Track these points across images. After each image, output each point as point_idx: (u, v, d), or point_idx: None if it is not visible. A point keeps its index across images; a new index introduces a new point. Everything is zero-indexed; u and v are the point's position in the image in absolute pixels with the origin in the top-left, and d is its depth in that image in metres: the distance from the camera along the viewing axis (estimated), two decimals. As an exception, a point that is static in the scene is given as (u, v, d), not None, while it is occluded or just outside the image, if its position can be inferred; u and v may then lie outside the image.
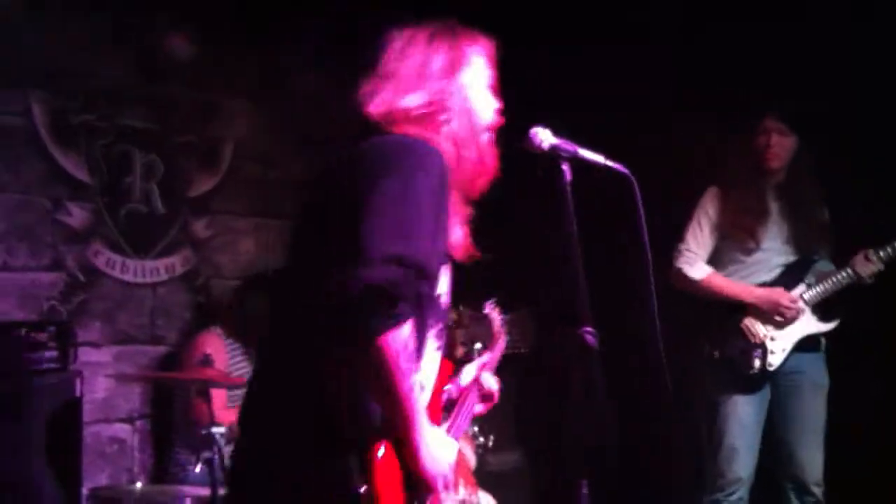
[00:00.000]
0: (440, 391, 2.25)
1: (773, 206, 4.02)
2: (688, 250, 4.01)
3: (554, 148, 2.20)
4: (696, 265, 4.00)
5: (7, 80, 3.92)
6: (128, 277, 4.31)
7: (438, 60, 2.08)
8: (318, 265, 1.85)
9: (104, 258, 4.22)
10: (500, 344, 2.80)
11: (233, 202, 4.78)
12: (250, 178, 4.87)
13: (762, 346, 3.91)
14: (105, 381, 4.13)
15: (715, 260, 4.05)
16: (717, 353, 3.97)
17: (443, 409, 2.31)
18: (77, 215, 4.14)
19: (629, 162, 2.24)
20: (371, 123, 2.02)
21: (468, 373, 2.55)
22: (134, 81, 4.37)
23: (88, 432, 3.92)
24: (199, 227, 4.63)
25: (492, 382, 2.57)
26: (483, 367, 2.60)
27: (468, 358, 2.87)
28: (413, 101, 2.03)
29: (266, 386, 2.00)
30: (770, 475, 4.01)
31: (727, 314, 3.98)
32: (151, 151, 4.43)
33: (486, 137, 2.14)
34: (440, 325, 2.08)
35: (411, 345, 1.85)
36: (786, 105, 4.00)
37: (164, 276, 4.46)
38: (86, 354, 4.01)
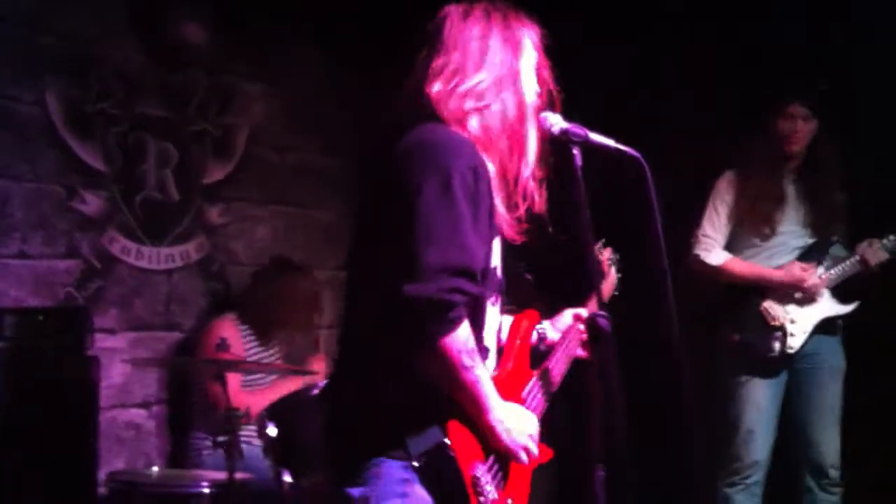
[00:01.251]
0: (527, 340, 2.42)
1: (790, 190, 4.01)
2: (705, 236, 4.01)
3: (564, 132, 2.20)
4: (713, 251, 3.99)
5: (21, 69, 3.91)
6: (143, 264, 4.33)
7: (496, 42, 2.14)
8: (377, 273, 2.03)
9: (119, 245, 4.24)
10: (609, 281, 2.86)
11: (248, 189, 4.79)
12: (265, 165, 4.87)
13: (782, 328, 3.91)
14: (121, 367, 4.14)
15: (732, 245, 4.04)
16: (736, 337, 3.96)
17: (530, 357, 2.44)
18: (92, 203, 4.15)
19: (645, 148, 2.23)
20: (422, 107, 2.11)
21: (565, 317, 2.61)
22: (148, 69, 4.36)
23: (105, 418, 3.95)
24: (214, 214, 4.64)
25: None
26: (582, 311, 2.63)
27: None
28: (472, 83, 2.11)
29: (353, 366, 2.14)
30: (787, 458, 4.01)
31: (746, 298, 3.97)
32: (166, 139, 4.44)
33: (531, 120, 2.18)
34: (497, 297, 2.21)
35: (472, 341, 2.01)
36: (810, 90, 3.98)
37: (179, 263, 4.47)
38: (102, 341, 4.03)
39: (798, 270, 3.91)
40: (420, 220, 1.96)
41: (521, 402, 2.28)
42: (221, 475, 3.49)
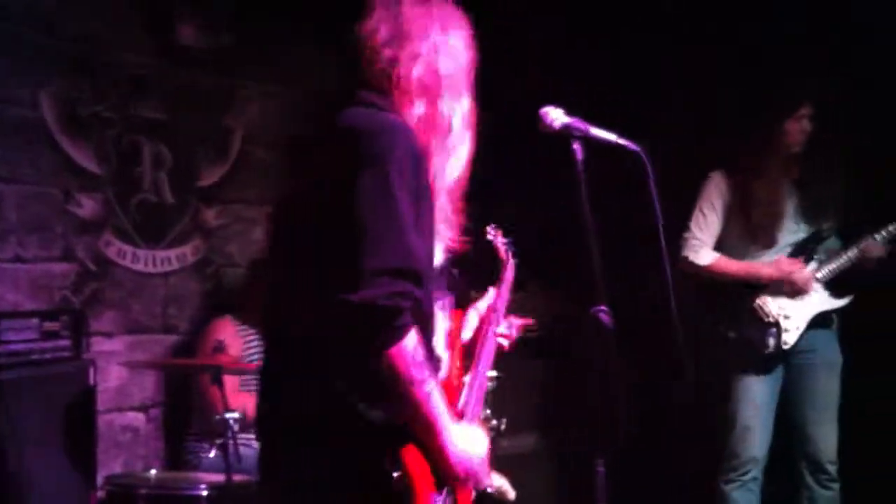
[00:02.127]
0: (456, 342, 2.31)
1: (785, 186, 4.01)
2: (693, 238, 4.02)
3: (566, 127, 2.20)
4: (701, 251, 4.00)
5: (16, 70, 3.90)
6: (139, 267, 4.31)
7: (448, 31, 2.05)
8: (311, 273, 1.88)
9: (115, 248, 4.23)
10: (509, 269, 2.75)
11: (243, 190, 4.78)
12: (261, 166, 4.86)
13: (776, 324, 3.91)
14: (118, 370, 4.13)
15: (727, 245, 4.04)
16: (731, 334, 3.97)
17: (462, 359, 2.35)
18: (88, 206, 4.14)
19: (645, 143, 2.24)
20: (357, 84, 2.01)
21: (473, 316, 2.54)
22: (143, 71, 4.35)
23: (102, 421, 3.93)
24: (210, 216, 4.63)
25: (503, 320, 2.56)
26: (493, 304, 2.57)
27: None
28: (408, 61, 2.00)
29: (289, 378, 1.97)
30: (784, 454, 4.01)
31: (740, 295, 3.97)
32: (160, 141, 4.43)
33: (468, 120, 2.08)
34: (446, 298, 2.13)
35: (420, 353, 1.85)
36: (811, 89, 3.99)
37: (175, 266, 4.46)
38: (99, 344, 4.03)
39: (786, 265, 3.91)
40: (356, 217, 1.82)
41: (461, 414, 2.20)
42: (219, 477, 3.48)
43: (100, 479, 3.69)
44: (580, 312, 2.60)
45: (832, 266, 3.94)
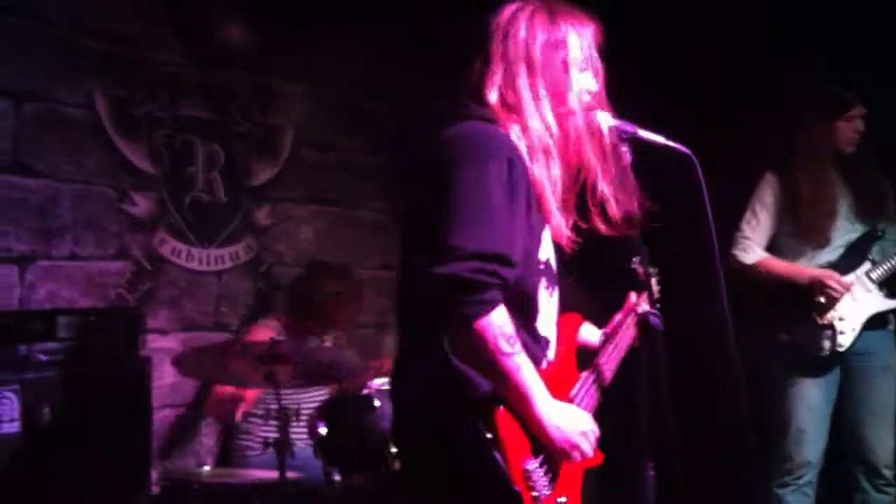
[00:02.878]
0: (572, 342, 2.39)
1: (838, 185, 3.96)
2: (743, 237, 3.98)
3: (613, 129, 2.19)
4: (749, 251, 3.96)
5: (68, 71, 3.97)
6: (192, 265, 4.37)
7: (538, 41, 2.13)
8: (415, 257, 2.01)
9: (169, 247, 4.29)
10: (652, 290, 2.77)
11: (292, 189, 4.82)
12: (308, 165, 4.90)
13: (831, 326, 3.86)
14: (172, 368, 4.18)
15: (778, 245, 4.00)
16: (785, 337, 3.92)
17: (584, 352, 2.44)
18: (141, 205, 4.20)
19: (694, 145, 2.22)
20: (458, 103, 2.13)
21: (616, 318, 2.60)
22: (191, 70, 4.40)
23: (157, 417, 3.98)
24: (261, 215, 4.68)
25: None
26: (631, 307, 2.62)
27: None
28: (520, 88, 2.11)
29: (405, 357, 2.17)
30: (840, 458, 3.96)
31: (794, 296, 3.93)
32: (212, 140, 4.48)
33: (582, 118, 2.15)
34: (553, 288, 2.19)
35: (509, 327, 1.95)
36: (852, 89, 3.94)
37: (228, 264, 4.52)
38: (153, 341, 4.09)
39: (828, 279, 3.84)
40: (453, 205, 1.95)
41: (570, 400, 2.23)
42: (272, 474, 3.51)
43: (154, 475, 3.74)
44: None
45: (887, 266, 3.88)
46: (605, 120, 2.18)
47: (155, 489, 3.67)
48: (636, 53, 4.55)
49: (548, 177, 2.09)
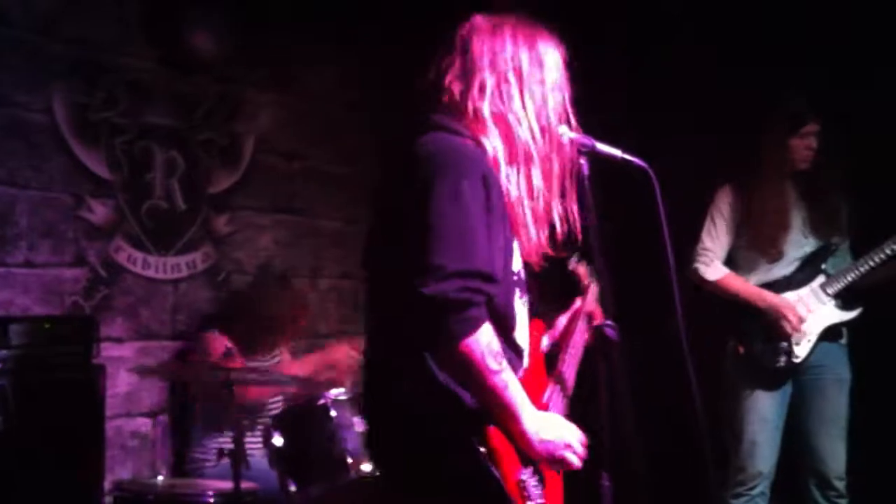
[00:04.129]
0: (538, 348, 2.43)
1: (792, 199, 4.01)
2: (704, 250, 4.02)
3: (571, 142, 2.21)
4: (712, 265, 4.00)
5: (30, 76, 3.92)
6: (149, 273, 4.33)
7: (524, 61, 2.17)
8: (393, 276, 2.03)
9: (126, 254, 4.25)
10: (592, 291, 2.82)
11: (252, 198, 4.80)
12: (270, 173, 4.88)
13: (787, 338, 3.90)
14: (127, 376, 4.14)
15: (735, 258, 4.04)
16: (741, 349, 3.96)
17: (545, 357, 2.48)
18: (99, 212, 4.16)
19: (653, 159, 2.24)
20: (433, 114, 2.15)
21: (561, 321, 2.66)
22: (155, 77, 4.38)
23: (110, 426, 3.94)
24: (220, 223, 4.65)
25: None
26: (577, 311, 2.67)
27: None
28: (478, 93, 2.14)
29: (382, 372, 2.16)
30: (793, 470, 4.00)
31: (752, 310, 3.96)
32: (172, 148, 4.45)
33: (555, 135, 2.19)
34: (525, 296, 2.21)
35: (495, 344, 1.99)
36: (809, 102, 3.99)
37: (185, 273, 4.48)
38: (108, 350, 4.03)
39: (787, 312, 3.88)
40: (433, 222, 1.97)
41: (545, 407, 2.29)
42: (227, 485, 3.49)
43: (107, 485, 3.70)
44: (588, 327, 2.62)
45: (841, 279, 3.93)
46: (565, 132, 2.20)
47: (107, 500, 3.63)
48: (588, 64, 4.60)
49: (528, 188, 2.14)
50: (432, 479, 2.04)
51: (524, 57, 2.17)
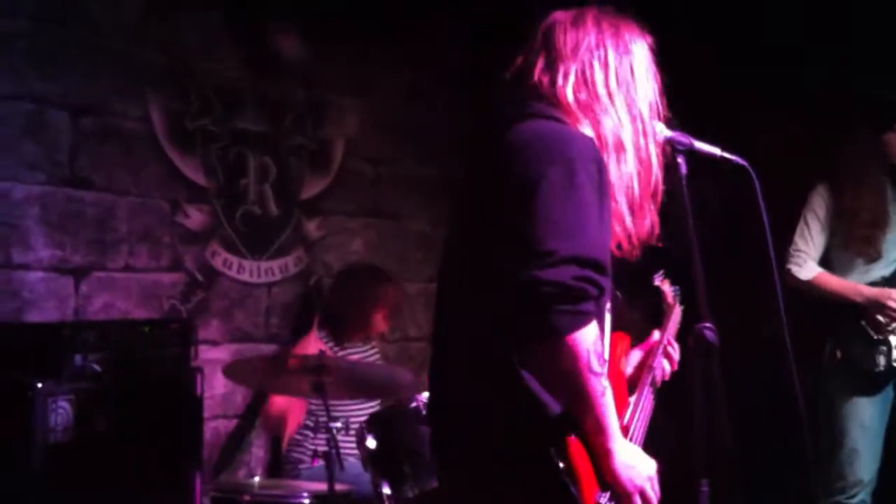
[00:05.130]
0: (617, 366, 2.26)
1: (889, 195, 3.90)
2: (797, 251, 3.94)
3: (669, 140, 2.17)
4: (805, 265, 3.92)
5: (124, 84, 4.02)
6: (244, 277, 4.41)
7: (611, 51, 2.07)
8: (492, 260, 1.87)
9: (221, 259, 4.33)
10: (676, 313, 2.71)
11: (342, 202, 4.84)
12: (359, 178, 4.92)
13: (886, 342, 3.80)
14: (223, 378, 4.21)
15: (831, 259, 3.95)
16: (839, 353, 3.87)
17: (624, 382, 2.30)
18: (195, 217, 4.25)
19: (749, 157, 2.20)
20: (528, 103, 2.02)
21: (636, 354, 2.48)
22: (245, 83, 4.44)
23: (208, 428, 4.02)
24: (312, 228, 4.70)
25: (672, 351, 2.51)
26: (656, 343, 2.51)
27: None
28: (563, 81, 2.03)
29: (457, 369, 2.00)
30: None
31: (847, 312, 3.87)
32: (265, 154, 4.52)
33: (643, 125, 2.08)
34: (608, 301, 2.07)
35: (600, 346, 1.84)
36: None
37: (278, 276, 4.55)
38: (205, 352, 4.11)
39: (887, 300, 3.78)
40: (544, 209, 1.81)
41: (625, 429, 2.13)
42: (322, 486, 3.52)
43: (205, 486, 3.76)
44: (685, 330, 2.57)
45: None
46: (661, 131, 2.17)
47: (205, 500, 3.69)
48: (679, 63, 4.53)
49: (619, 175, 2.01)
50: (502, 493, 1.89)
51: (609, 44, 2.07)
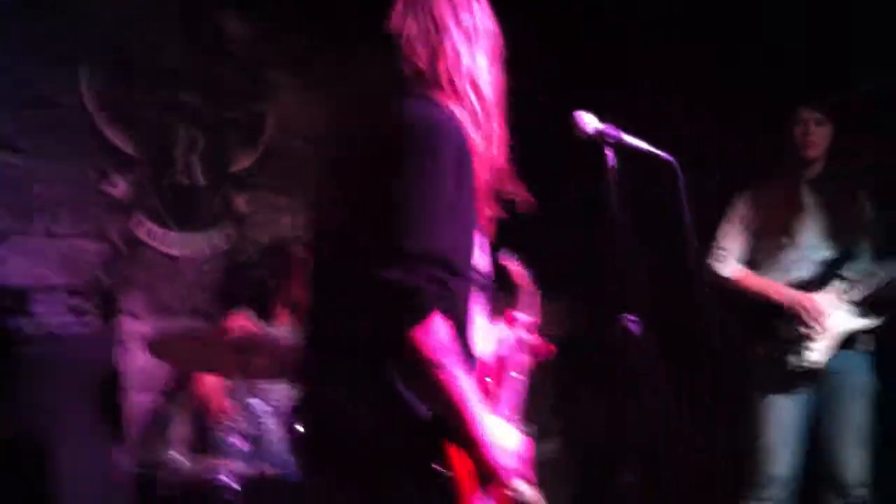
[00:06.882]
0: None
1: (809, 200, 3.97)
2: (719, 248, 4.00)
3: (599, 133, 2.18)
4: (725, 262, 3.97)
5: (57, 53, 3.94)
6: (170, 250, 4.34)
7: (476, 21, 2.02)
8: (347, 253, 1.87)
9: (146, 229, 4.26)
10: (528, 293, 2.64)
11: (274, 178, 4.79)
12: (292, 155, 4.87)
13: (803, 340, 3.86)
14: (144, 353, 4.15)
15: (753, 259, 4.02)
16: (759, 351, 3.93)
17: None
18: (121, 186, 4.17)
19: (677, 153, 2.22)
20: (395, 79, 1.97)
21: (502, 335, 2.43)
22: (178, 56, 4.37)
23: (129, 403, 3.95)
24: (241, 203, 4.65)
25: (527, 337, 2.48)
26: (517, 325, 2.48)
27: None
28: (459, 60, 1.98)
29: (330, 364, 1.92)
30: (813, 477, 3.96)
31: (767, 311, 3.93)
32: (194, 125, 4.45)
33: (498, 107, 2.04)
34: (483, 296, 2.04)
35: (448, 338, 1.80)
36: (821, 93, 3.96)
37: (206, 251, 4.49)
38: (127, 325, 4.05)
39: (807, 302, 3.85)
40: (400, 202, 1.80)
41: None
42: (244, 465, 3.48)
43: (128, 462, 3.72)
44: (608, 321, 2.59)
45: (864, 285, 3.88)
46: (592, 122, 2.18)
47: (127, 476, 3.64)
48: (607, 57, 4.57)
49: (486, 158, 1.98)
50: (386, 495, 1.83)
51: (473, 14, 2.03)
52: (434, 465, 1.80)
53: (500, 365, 2.32)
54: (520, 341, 2.44)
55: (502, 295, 2.41)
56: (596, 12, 4.80)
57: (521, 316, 2.51)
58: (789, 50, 4.44)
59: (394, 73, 1.98)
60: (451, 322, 1.82)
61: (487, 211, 2.03)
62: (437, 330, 1.78)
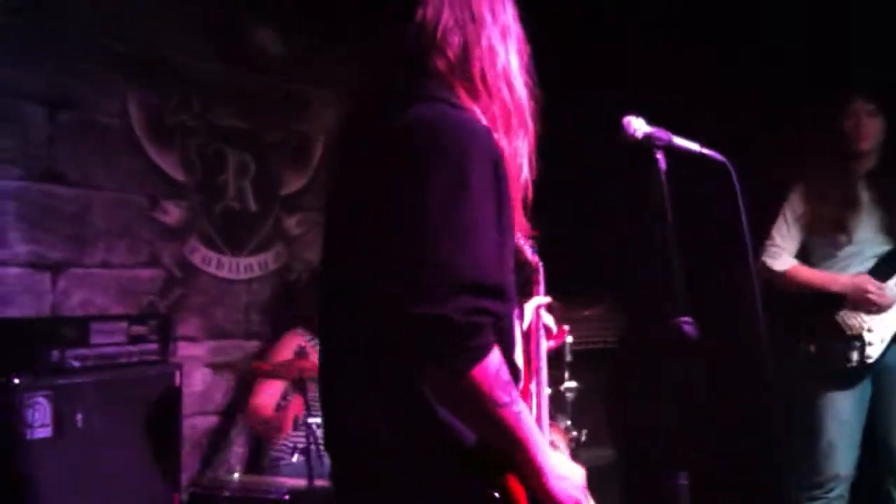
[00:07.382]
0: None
1: (864, 195, 3.94)
2: (772, 245, 3.98)
3: (648, 136, 2.18)
4: (779, 258, 3.95)
5: (102, 78, 3.98)
6: (223, 273, 4.39)
7: (498, 22, 1.83)
8: (377, 279, 1.65)
9: (200, 255, 4.31)
10: (540, 274, 2.56)
11: (322, 198, 4.81)
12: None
13: (859, 338, 3.82)
14: (202, 375, 4.20)
15: (808, 256, 3.99)
16: (812, 348, 3.89)
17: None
18: (173, 213, 4.23)
19: (726, 154, 2.21)
20: (412, 81, 1.77)
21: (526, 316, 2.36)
22: (225, 78, 4.42)
23: (186, 424, 3.99)
24: (291, 224, 4.69)
25: (548, 319, 2.42)
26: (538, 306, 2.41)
27: None
28: (467, 53, 1.78)
29: (361, 395, 1.75)
30: (874, 471, 3.92)
31: (820, 307, 3.90)
32: (244, 150, 4.51)
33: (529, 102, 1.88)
34: (519, 308, 1.99)
35: (505, 372, 1.64)
36: (872, 85, 3.92)
37: (257, 272, 4.53)
38: (183, 349, 4.10)
39: (867, 284, 3.81)
40: (431, 221, 1.59)
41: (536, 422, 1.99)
42: (301, 482, 3.51)
43: (183, 482, 3.76)
44: (661, 324, 2.58)
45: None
46: (641, 127, 2.18)
47: (183, 496, 3.68)
48: (661, 63, 4.55)
49: (516, 166, 1.80)
50: None
51: (504, 17, 1.84)
52: (492, 493, 1.69)
53: (527, 357, 2.24)
54: (545, 327, 2.41)
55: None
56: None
57: (541, 299, 2.46)
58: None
59: (415, 73, 1.77)
60: (501, 347, 1.66)
61: (522, 227, 1.88)
62: (496, 365, 1.62)
